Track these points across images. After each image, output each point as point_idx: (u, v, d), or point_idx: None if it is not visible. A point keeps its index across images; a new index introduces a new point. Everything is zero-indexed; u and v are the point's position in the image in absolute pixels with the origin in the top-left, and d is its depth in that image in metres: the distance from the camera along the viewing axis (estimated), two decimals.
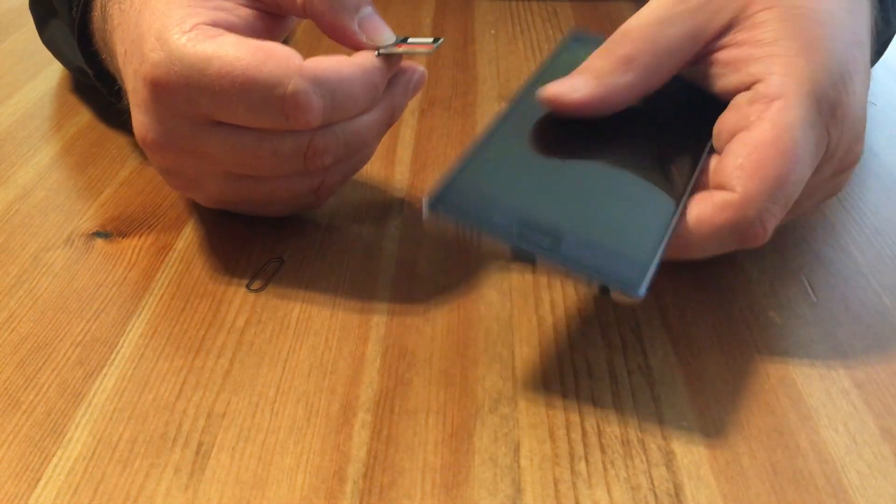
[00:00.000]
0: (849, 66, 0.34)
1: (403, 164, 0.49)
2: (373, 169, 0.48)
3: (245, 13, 0.38)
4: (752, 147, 0.32)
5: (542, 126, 0.36)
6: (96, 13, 0.44)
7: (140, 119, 0.37)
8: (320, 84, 0.35)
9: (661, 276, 0.40)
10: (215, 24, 0.36)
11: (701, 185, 0.34)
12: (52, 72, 0.60)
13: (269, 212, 0.42)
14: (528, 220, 0.31)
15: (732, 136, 0.33)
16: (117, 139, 0.51)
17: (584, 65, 0.36)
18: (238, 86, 0.34)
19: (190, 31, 0.35)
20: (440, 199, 0.31)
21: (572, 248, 0.30)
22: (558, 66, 0.37)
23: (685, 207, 0.33)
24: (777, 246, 0.42)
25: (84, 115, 0.54)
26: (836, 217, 0.45)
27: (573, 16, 0.69)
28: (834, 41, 0.34)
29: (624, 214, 0.32)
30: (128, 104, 0.41)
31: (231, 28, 0.37)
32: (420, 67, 0.40)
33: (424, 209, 0.31)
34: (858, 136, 0.36)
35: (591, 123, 0.36)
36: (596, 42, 0.37)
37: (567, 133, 0.36)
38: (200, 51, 0.35)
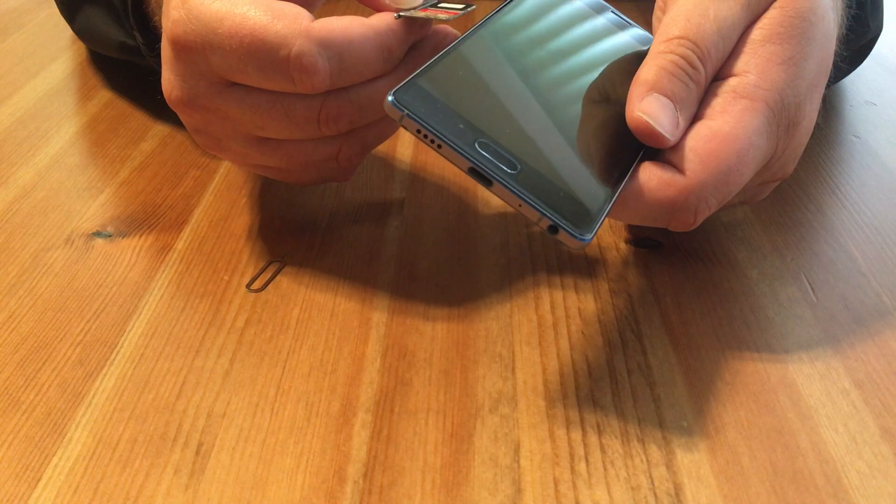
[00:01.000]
0: (813, 92, 0.35)
1: (403, 164, 0.49)
2: (373, 169, 0.48)
3: None
4: (711, 136, 0.32)
5: (512, 50, 0.36)
6: None
7: (166, 76, 0.38)
8: (327, 46, 0.34)
9: (661, 276, 0.40)
10: None
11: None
12: (52, 72, 0.60)
13: (293, 179, 0.41)
14: (490, 142, 0.31)
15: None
16: (118, 139, 0.51)
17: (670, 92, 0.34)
18: (246, 46, 0.34)
19: None
20: (405, 94, 0.31)
21: (529, 181, 0.30)
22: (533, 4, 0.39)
23: (636, 168, 0.32)
24: (777, 246, 0.42)
25: (84, 116, 0.54)
26: (836, 217, 0.45)
27: None
28: (811, 62, 0.34)
29: (583, 161, 0.32)
30: None
31: None
32: (453, 31, 0.39)
33: (386, 103, 0.30)
34: (797, 156, 0.37)
35: (558, 53, 0.36)
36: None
37: (537, 61, 0.36)
38: (214, 9, 0.35)
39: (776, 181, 0.38)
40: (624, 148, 0.33)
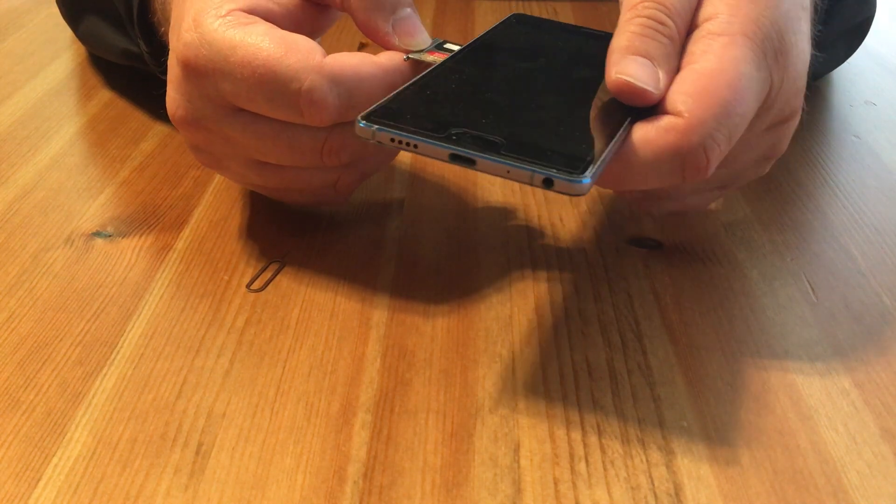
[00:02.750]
0: (792, 22, 0.34)
1: (403, 164, 0.49)
2: None
3: (287, 1, 0.38)
4: (699, 75, 0.32)
5: (480, 67, 0.37)
6: (157, 3, 0.44)
7: (171, 95, 0.38)
8: (338, 83, 0.35)
9: (661, 276, 0.40)
10: (253, 12, 0.36)
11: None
12: (52, 72, 0.60)
13: (290, 200, 0.42)
14: (465, 130, 0.31)
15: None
16: (118, 139, 0.51)
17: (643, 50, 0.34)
18: (258, 76, 0.35)
19: (225, 15, 0.36)
20: (374, 115, 0.32)
21: (511, 151, 0.30)
22: (497, 39, 0.40)
23: (629, 132, 0.32)
24: (777, 246, 0.42)
25: (84, 116, 0.54)
26: (836, 217, 0.45)
27: (573, 16, 0.69)
28: None
29: (568, 129, 0.32)
30: None
31: (269, 16, 0.37)
32: None
33: (358, 127, 0.31)
34: (799, 90, 0.36)
35: (534, 65, 0.38)
36: (537, 23, 0.39)
37: (507, 69, 0.37)
38: (228, 37, 0.35)
39: (787, 121, 0.37)
40: (611, 118, 0.33)
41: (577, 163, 0.30)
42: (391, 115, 0.32)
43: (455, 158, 0.30)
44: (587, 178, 0.29)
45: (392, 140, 0.31)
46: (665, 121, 0.32)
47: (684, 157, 0.31)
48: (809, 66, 0.37)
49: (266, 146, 0.37)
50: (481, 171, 0.30)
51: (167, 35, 0.44)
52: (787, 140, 0.38)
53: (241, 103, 0.36)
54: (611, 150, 0.31)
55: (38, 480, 0.29)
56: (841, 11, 0.49)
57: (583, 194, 0.29)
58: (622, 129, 0.32)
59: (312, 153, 0.37)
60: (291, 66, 0.34)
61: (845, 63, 0.63)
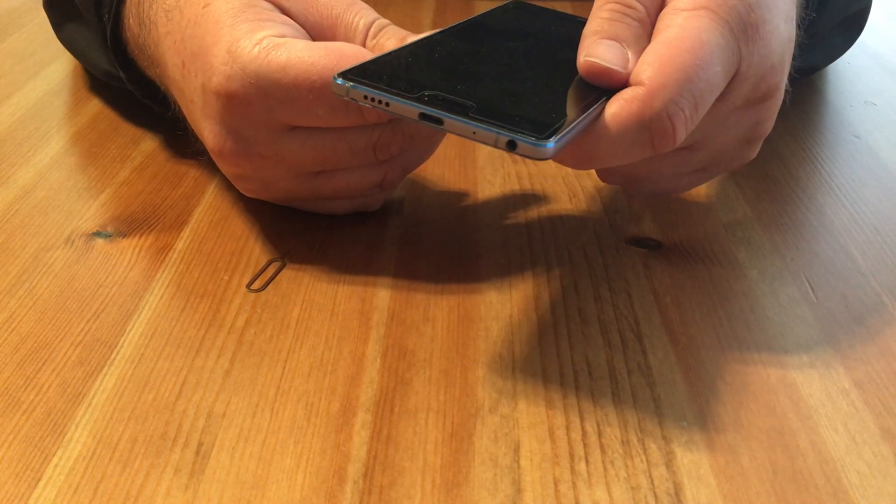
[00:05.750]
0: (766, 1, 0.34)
1: None
2: None
3: (305, 32, 0.39)
4: (660, 45, 0.33)
5: (466, 42, 0.38)
6: (130, 21, 0.44)
7: (215, 130, 0.38)
8: None
9: (661, 276, 0.40)
10: (282, 35, 0.37)
11: None
12: (52, 72, 0.60)
13: (335, 208, 0.43)
14: (437, 93, 0.32)
15: None
16: (118, 139, 0.51)
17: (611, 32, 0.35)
18: (316, 91, 0.35)
19: (260, 42, 0.36)
20: (351, 73, 0.33)
21: (480, 113, 0.31)
22: (491, 20, 0.41)
23: (601, 110, 0.32)
24: (777, 246, 0.42)
25: (84, 116, 0.54)
26: (836, 217, 0.45)
27: (573, 14, 0.69)
28: None
29: (535, 102, 0.33)
30: (176, 109, 0.42)
31: (297, 36, 0.37)
32: None
33: (333, 84, 0.32)
34: (774, 66, 0.36)
35: (521, 40, 0.39)
36: (534, 10, 0.40)
37: (494, 46, 0.38)
38: (274, 60, 0.35)
39: (765, 99, 0.37)
40: (585, 97, 0.33)
41: (542, 128, 0.30)
42: (368, 75, 0.33)
43: (424, 118, 0.31)
44: (551, 143, 0.29)
45: (365, 97, 0.32)
46: (628, 92, 0.32)
47: (649, 124, 0.32)
48: (795, 48, 0.37)
49: (325, 155, 0.38)
50: (449, 131, 0.31)
51: (148, 69, 0.44)
52: (771, 120, 0.38)
53: (299, 121, 0.37)
54: (580, 122, 0.31)
55: (38, 480, 0.29)
56: (834, 2, 0.49)
57: (545, 159, 0.30)
58: (595, 107, 0.32)
59: (366, 151, 0.38)
60: None
61: (845, 63, 0.63)
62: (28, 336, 0.35)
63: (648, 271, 0.40)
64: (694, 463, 0.30)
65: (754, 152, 0.40)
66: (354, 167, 0.40)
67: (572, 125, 0.31)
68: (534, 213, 0.44)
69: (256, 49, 0.36)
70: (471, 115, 0.31)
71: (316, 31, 0.39)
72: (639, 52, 0.33)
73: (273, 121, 0.37)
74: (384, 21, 0.40)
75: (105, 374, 0.34)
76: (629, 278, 0.40)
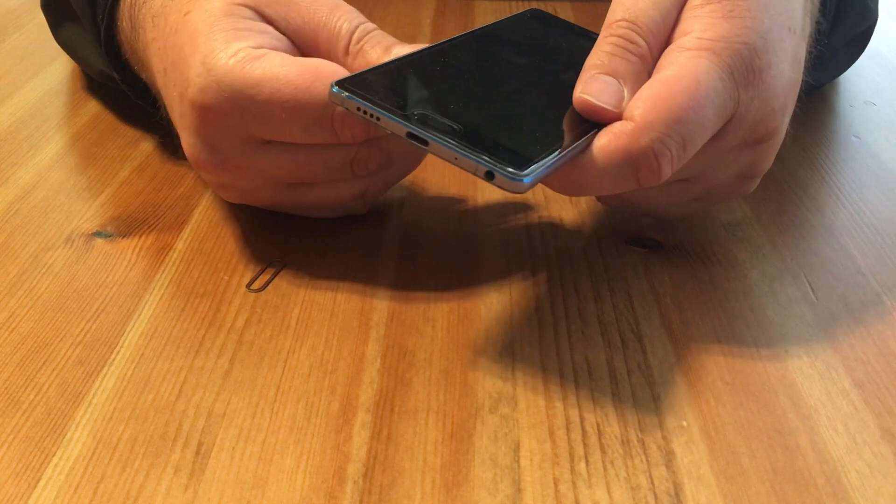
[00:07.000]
0: (772, 43, 0.34)
1: None
2: None
3: (286, 39, 0.38)
4: (656, 83, 0.33)
5: (471, 55, 0.38)
6: (124, 23, 0.44)
7: (190, 141, 0.38)
8: None
9: (661, 276, 0.40)
10: (259, 47, 0.36)
11: None
12: (52, 72, 0.60)
13: (318, 214, 0.43)
14: (427, 112, 0.32)
15: None
16: (117, 139, 0.51)
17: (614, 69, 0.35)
18: (289, 109, 0.35)
19: (235, 54, 0.35)
20: (348, 82, 0.33)
21: (464, 139, 0.31)
22: (502, 31, 0.41)
23: (591, 139, 0.33)
24: (777, 246, 0.42)
25: (84, 116, 0.54)
26: (836, 217, 0.45)
27: (573, 16, 0.69)
28: (763, 15, 0.34)
29: (527, 128, 0.33)
30: (165, 114, 0.42)
31: (275, 48, 0.37)
32: None
33: (330, 92, 0.33)
34: (774, 110, 0.36)
35: (526, 62, 0.39)
36: (549, 21, 0.41)
37: (497, 62, 0.38)
38: (248, 75, 0.35)
39: (763, 141, 0.37)
40: (578, 126, 0.33)
41: (522, 162, 0.30)
42: (364, 86, 0.33)
43: (411, 137, 0.32)
44: (528, 178, 0.30)
45: (357, 109, 0.32)
46: (618, 126, 0.32)
47: (635, 160, 0.32)
48: (802, 86, 0.37)
49: (300, 170, 0.38)
50: (433, 153, 0.31)
51: (141, 71, 0.44)
52: (769, 160, 0.38)
53: (272, 136, 0.36)
54: (563, 155, 0.31)
55: (38, 480, 0.29)
56: (841, 24, 0.49)
57: (521, 192, 0.30)
58: (585, 138, 0.32)
59: (343, 167, 0.38)
60: (322, 94, 0.35)
61: None
62: (28, 336, 0.35)
63: (648, 271, 0.40)
64: (694, 463, 0.30)
65: (752, 187, 0.40)
66: (332, 181, 0.40)
67: (553, 159, 0.31)
68: (534, 213, 0.44)
69: (231, 61, 0.35)
70: (455, 139, 0.31)
71: (298, 37, 0.38)
72: (636, 89, 0.33)
73: (247, 134, 0.36)
74: (369, 25, 0.39)
75: (105, 374, 0.34)
76: (629, 278, 0.40)
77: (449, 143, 0.31)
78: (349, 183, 0.40)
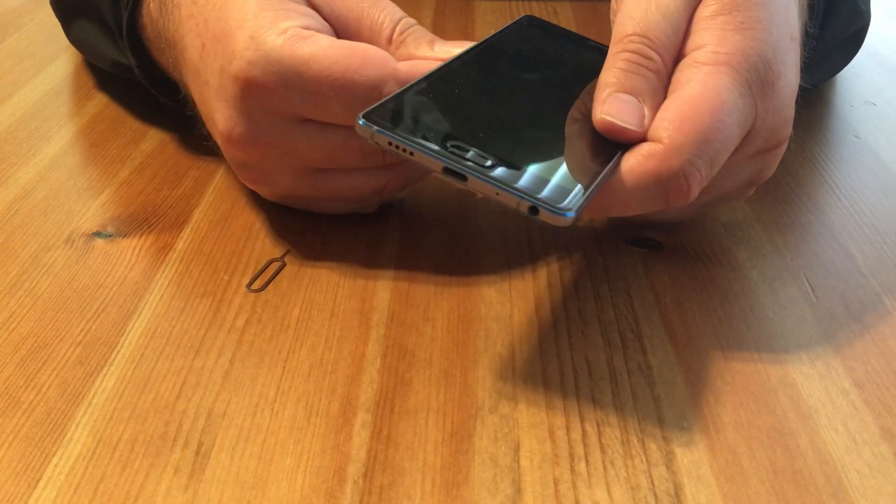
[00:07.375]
0: (781, 54, 0.35)
1: None
2: None
3: (328, 25, 0.39)
4: (680, 102, 0.33)
5: (484, 73, 0.38)
6: (151, 5, 0.44)
7: (227, 114, 0.38)
8: None
9: (662, 276, 0.40)
10: (307, 28, 0.37)
11: None
12: (52, 72, 0.60)
13: (329, 208, 0.43)
14: (461, 144, 0.32)
15: None
16: (118, 139, 0.51)
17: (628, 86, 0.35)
18: (336, 88, 0.35)
19: (284, 32, 0.36)
20: (373, 115, 0.32)
21: (503, 172, 0.31)
22: (506, 42, 0.40)
23: (618, 163, 0.33)
24: (777, 246, 0.42)
25: (85, 116, 0.54)
26: (836, 217, 0.45)
27: (573, 16, 0.69)
28: (770, 25, 0.34)
29: (560, 156, 0.33)
30: (184, 98, 0.42)
31: (322, 31, 0.37)
32: None
33: (358, 125, 0.32)
34: (786, 120, 0.36)
35: (537, 76, 0.39)
36: (547, 28, 0.40)
37: (511, 79, 0.38)
38: (297, 53, 0.35)
39: (774, 148, 0.37)
40: (603, 147, 0.33)
41: (563, 194, 0.30)
42: (391, 118, 0.32)
43: (448, 172, 0.31)
44: (571, 212, 0.30)
45: (389, 143, 0.31)
46: (646, 148, 0.32)
47: (665, 182, 0.32)
48: (798, 90, 0.38)
49: (334, 152, 0.38)
50: (470, 188, 0.31)
51: (161, 56, 0.44)
52: (774, 166, 0.39)
53: (314, 115, 0.37)
54: (598, 182, 0.31)
55: (38, 480, 0.29)
56: (832, 26, 0.49)
57: (566, 226, 0.30)
58: (613, 160, 0.32)
59: (375, 153, 0.38)
60: (371, 77, 0.35)
61: None
62: (28, 336, 0.35)
63: (648, 271, 0.40)
64: (694, 463, 0.30)
65: (752, 191, 0.41)
66: (358, 169, 0.40)
67: (591, 187, 0.31)
68: None
69: (281, 39, 0.36)
70: (494, 174, 0.30)
71: (341, 24, 0.39)
72: (655, 106, 0.33)
73: (288, 111, 0.37)
74: (410, 20, 0.40)
75: (105, 374, 0.34)
76: (629, 278, 0.40)
77: (489, 178, 0.30)
78: (373, 174, 0.40)
